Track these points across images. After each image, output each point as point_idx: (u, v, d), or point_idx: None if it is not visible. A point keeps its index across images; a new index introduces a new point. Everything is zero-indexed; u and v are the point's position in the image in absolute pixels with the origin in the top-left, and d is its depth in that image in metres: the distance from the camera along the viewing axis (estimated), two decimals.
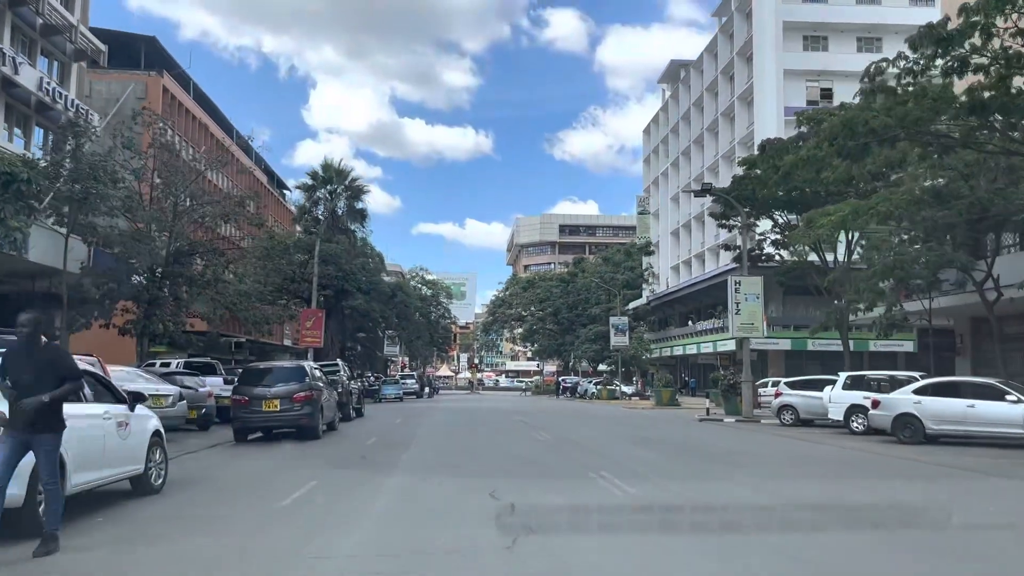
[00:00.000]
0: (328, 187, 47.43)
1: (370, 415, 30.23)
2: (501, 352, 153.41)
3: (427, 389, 65.09)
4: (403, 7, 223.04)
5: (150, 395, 17.24)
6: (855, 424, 21.95)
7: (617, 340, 52.07)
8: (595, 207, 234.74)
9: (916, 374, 22.53)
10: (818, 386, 25.61)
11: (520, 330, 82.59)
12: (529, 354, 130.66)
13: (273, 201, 65.63)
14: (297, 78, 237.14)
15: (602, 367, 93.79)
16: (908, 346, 48.60)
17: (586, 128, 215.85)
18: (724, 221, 35.51)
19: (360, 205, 48.10)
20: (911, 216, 22.48)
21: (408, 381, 58.94)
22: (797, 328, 49.36)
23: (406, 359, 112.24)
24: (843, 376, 22.96)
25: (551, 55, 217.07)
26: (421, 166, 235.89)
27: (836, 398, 22.50)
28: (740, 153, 56.82)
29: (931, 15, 53.78)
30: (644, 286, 64.37)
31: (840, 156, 19.17)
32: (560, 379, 73.35)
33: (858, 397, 22.02)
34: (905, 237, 24.68)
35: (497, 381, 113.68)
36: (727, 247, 37.86)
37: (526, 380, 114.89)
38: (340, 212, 47.66)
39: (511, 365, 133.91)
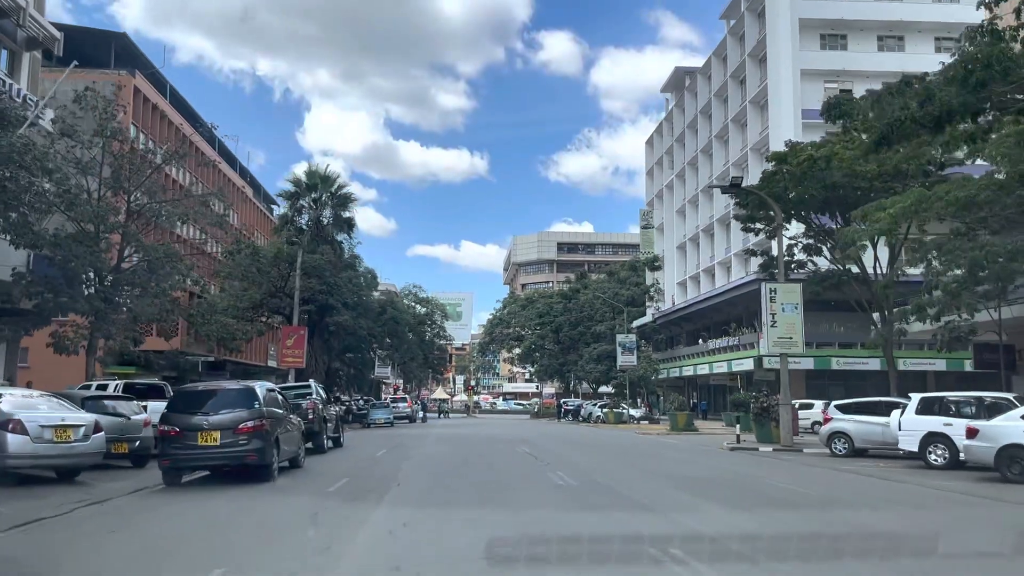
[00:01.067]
0: (312, 195, 43.55)
1: (352, 444, 26.14)
2: (498, 374, 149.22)
3: (422, 413, 60.95)
4: (397, 30, 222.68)
5: (51, 426, 13.29)
6: (933, 456, 17.99)
7: (624, 360, 48.13)
8: (590, 228, 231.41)
9: (1009, 395, 18.59)
10: (875, 409, 21.70)
11: (519, 350, 78.57)
12: (527, 375, 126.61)
13: (259, 215, 61.75)
14: (292, 101, 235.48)
15: (603, 389, 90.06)
16: (940, 364, 44.74)
17: (580, 150, 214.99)
18: (750, 224, 31.68)
19: (347, 214, 44.20)
20: (994, 203, 18.61)
21: (400, 405, 54.89)
22: (820, 346, 45.51)
23: (400, 381, 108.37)
24: (916, 399, 19.00)
25: (545, 78, 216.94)
26: (416, 188, 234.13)
27: (909, 425, 18.53)
28: (753, 161, 53.21)
29: (954, 12, 50.72)
30: (649, 303, 60.48)
31: (919, 125, 15.28)
32: (562, 401, 69.28)
33: (937, 423, 18.11)
34: (980, 233, 20.81)
35: (494, 404, 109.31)
36: (752, 253, 34.12)
37: (524, 403, 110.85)
38: (325, 222, 43.77)
39: (508, 387, 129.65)
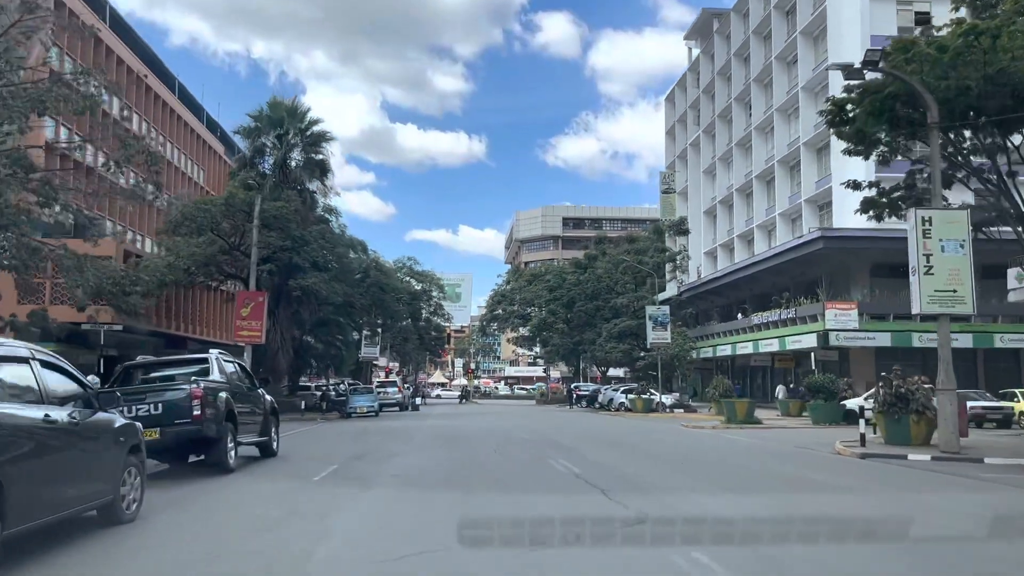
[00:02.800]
0: (277, 131, 34.82)
1: (297, 449, 17.55)
2: (499, 357, 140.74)
3: (419, 399, 52.46)
4: (394, 12, 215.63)
5: None
6: None
7: (656, 336, 39.52)
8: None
9: None
10: None
11: (525, 330, 70.01)
12: (531, 358, 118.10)
13: (221, 166, 52.88)
14: (287, 83, 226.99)
15: (613, 372, 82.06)
16: None
17: (579, 134, 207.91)
18: (856, 147, 22.83)
19: (320, 156, 35.48)
20: None
21: (389, 390, 46.42)
22: (898, 318, 36.96)
23: (396, 364, 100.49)
24: None
25: (543, 60, 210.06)
26: (414, 172, 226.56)
27: None
28: (805, 102, 44.42)
29: None
30: (673, 274, 51.85)
31: None
32: (573, 386, 60.75)
33: None
34: None
35: (496, 388, 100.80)
36: (856, 186, 25.31)
37: (528, 387, 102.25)
38: (293, 164, 35.07)
39: (511, 371, 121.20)
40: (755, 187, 50.84)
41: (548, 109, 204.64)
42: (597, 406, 50.66)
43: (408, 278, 69.09)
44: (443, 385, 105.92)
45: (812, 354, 35.63)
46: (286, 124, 34.59)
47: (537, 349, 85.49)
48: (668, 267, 49.74)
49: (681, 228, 50.04)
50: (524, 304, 67.57)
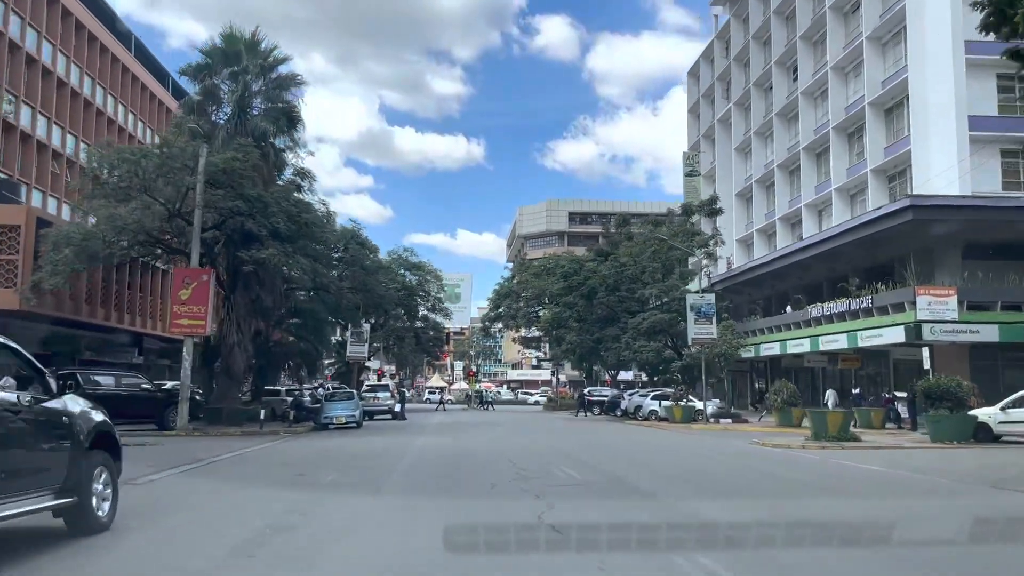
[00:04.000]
0: (232, 69, 27.36)
1: (177, 500, 10.08)
2: (500, 360, 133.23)
3: (399, 405, 44.82)
4: (392, 14, 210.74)
5: None
6: None
7: (700, 331, 32.01)
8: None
9: None
10: None
11: (532, 328, 62.49)
12: (535, 361, 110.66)
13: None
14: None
15: (625, 375, 74.82)
16: None
17: (577, 137, 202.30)
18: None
19: (287, 102, 28.00)
20: None
21: (380, 395, 38.88)
22: (1006, 308, 29.54)
23: (390, 366, 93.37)
24: None
25: (541, 63, 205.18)
26: (412, 176, 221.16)
27: None
28: (871, 53, 37.09)
29: None
30: (708, 261, 44.35)
31: None
32: (586, 391, 53.20)
33: None
34: None
35: (499, 393, 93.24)
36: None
37: (531, 392, 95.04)
38: (253, 111, 27.63)
39: (514, 374, 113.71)
40: (803, 160, 43.42)
41: (546, 112, 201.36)
42: (619, 413, 43.30)
43: (403, 271, 61.73)
44: (442, 389, 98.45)
45: (924, 352, 27.85)
46: (244, 60, 27.05)
47: (544, 350, 78.14)
48: (700, 253, 42.28)
49: (713, 208, 42.54)
50: (532, 301, 60.10)
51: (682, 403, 33.64)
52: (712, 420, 32.86)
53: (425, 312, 65.82)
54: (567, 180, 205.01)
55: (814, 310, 35.63)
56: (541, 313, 61.51)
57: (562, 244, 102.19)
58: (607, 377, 63.75)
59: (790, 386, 30.08)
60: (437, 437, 24.36)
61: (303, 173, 29.10)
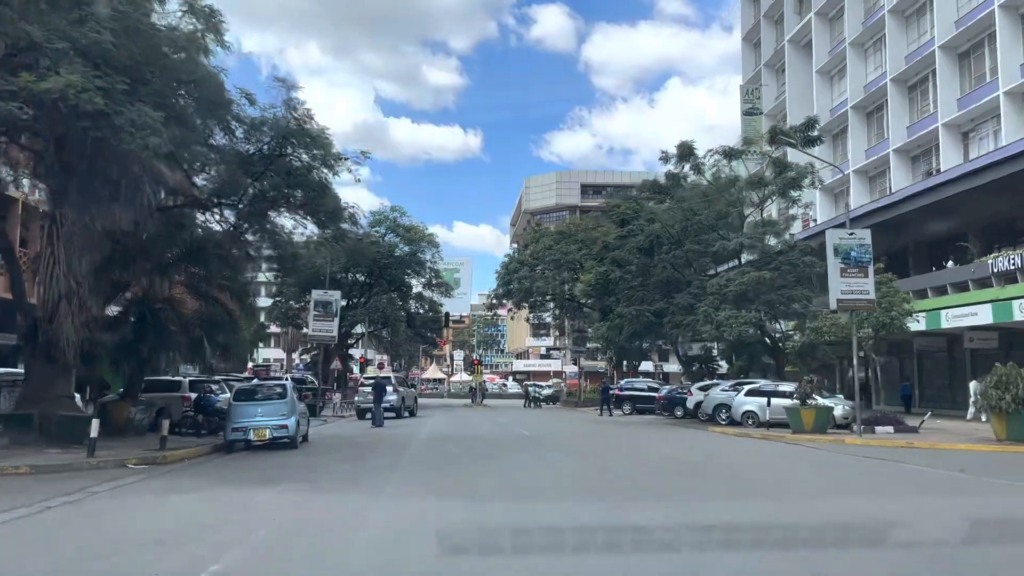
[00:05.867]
0: None
1: None
2: (504, 351, 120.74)
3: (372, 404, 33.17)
4: (388, 5, 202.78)
5: None
6: None
7: (849, 286, 19.55)
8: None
9: None
10: None
11: (550, 306, 50.27)
12: (543, 350, 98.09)
13: None
14: (279, 78, 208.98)
15: (670, 367, 63.76)
16: None
17: (573, 128, 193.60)
18: None
19: None
20: None
21: (386, 389, 28.99)
22: None
23: (385, 358, 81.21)
24: None
25: (538, 54, 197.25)
26: (408, 167, 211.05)
27: None
28: None
29: None
30: (794, 209, 32.10)
31: None
32: (623, 382, 41.13)
33: None
34: None
35: (504, 386, 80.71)
36: None
37: (541, 384, 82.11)
38: None
39: (519, 365, 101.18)
40: (940, 62, 30.94)
41: (543, 103, 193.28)
42: (680, 414, 31.08)
43: (390, 235, 49.23)
44: (439, 382, 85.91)
45: None
46: None
47: (555, 335, 66.05)
48: (796, 194, 29.95)
49: (809, 135, 30.08)
50: (554, 267, 47.84)
51: (816, 402, 21.25)
52: (855, 428, 20.52)
53: (420, 289, 53.52)
54: (564, 171, 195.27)
55: (1000, 262, 23.20)
56: (557, 285, 49.39)
57: (574, 218, 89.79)
58: (624, 369, 51.79)
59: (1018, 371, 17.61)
60: (434, 475, 11.98)
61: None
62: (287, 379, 18.88)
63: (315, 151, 15.55)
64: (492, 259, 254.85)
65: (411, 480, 11.60)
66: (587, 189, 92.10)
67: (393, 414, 30.11)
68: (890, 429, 20.59)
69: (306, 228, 17.81)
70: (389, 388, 31.00)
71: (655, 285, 28.70)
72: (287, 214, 16.96)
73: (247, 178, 16.35)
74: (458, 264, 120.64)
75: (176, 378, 20.03)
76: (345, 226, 18.06)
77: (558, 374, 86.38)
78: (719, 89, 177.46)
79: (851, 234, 20.35)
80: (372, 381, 35.61)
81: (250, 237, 17.36)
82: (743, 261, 28.59)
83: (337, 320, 30.49)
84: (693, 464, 14.38)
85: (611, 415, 35.87)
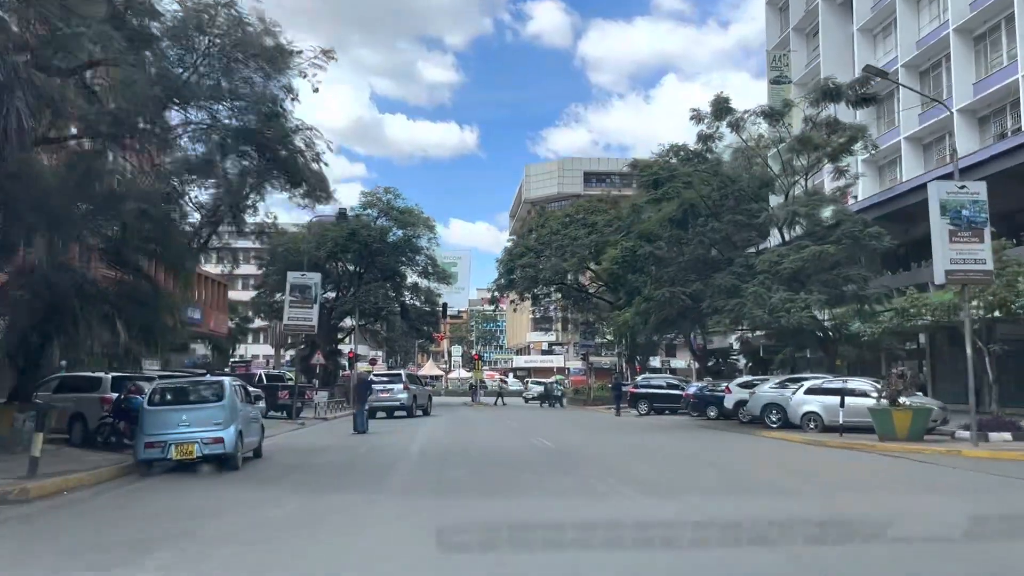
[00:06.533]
0: None
1: None
2: (503, 347, 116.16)
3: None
4: (383, 1, 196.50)
5: None
6: None
7: (961, 254, 15.12)
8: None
9: None
10: None
11: (554, 294, 45.79)
12: (545, 345, 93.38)
13: None
14: None
15: (678, 362, 59.73)
16: None
17: (569, 125, 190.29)
18: None
19: None
20: None
21: (393, 387, 29.16)
22: None
23: (379, 354, 76.81)
24: None
25: (534, 50, 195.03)
26: (404, 164, 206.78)
27: None
28: None
29: None
30: (840, 181, 27.64)
31: None
32: (640, 379, 37.01)
33: None
34: None
35: (504, 384, 76.07)
36: None
37: (544, 380, 77.55)
38: None
39: (520, 361, 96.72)
40: (1019, 9, 26.35)
41: (539, 100, 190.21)
42: (713, 415, 26.73)
43: (383, 219, 44.60)
44: (436, 378, 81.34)
45: None
46: None
47: (556, 330, 61.98)
48: (846, 163, 25.49)
49: (864, 92, 25.47)
50: (560, 253, 43.44)
51: (908, 401, 16.75)
52: (959, 434, 16.06)
53: (415, 278, 48.93)
54: None
55: None
56: (563, 274, 44.87)
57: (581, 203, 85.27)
58: (636, 364, 47.60)
59: None
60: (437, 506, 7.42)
61: None
62: (227, 377, 14.16)
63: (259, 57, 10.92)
64: (489, 257, 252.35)
65: (389, 540, 7.07)
66: (590, 177, 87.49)
67: (404, 413, 28.75)
68: (1007, 436, 16.10)
69: (251, 163, 13.15)
70: (399, 385, 29.15)
71: (688, 264, 24.06)
72: (228, 145, 12.32)
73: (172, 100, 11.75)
74: (456, 258, 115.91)
75: (97, 374, 15.45)
76: (302, 160, 13.39)
77: (561, 370, 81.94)
78: (715, 86, 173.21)
79: (961, 187, 15.79)
80: (384, 376, 32.52)
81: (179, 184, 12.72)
82: (790, 236, 24.09)
83: (317, 307, 25.89)
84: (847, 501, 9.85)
85: (625, 414, 32.12)
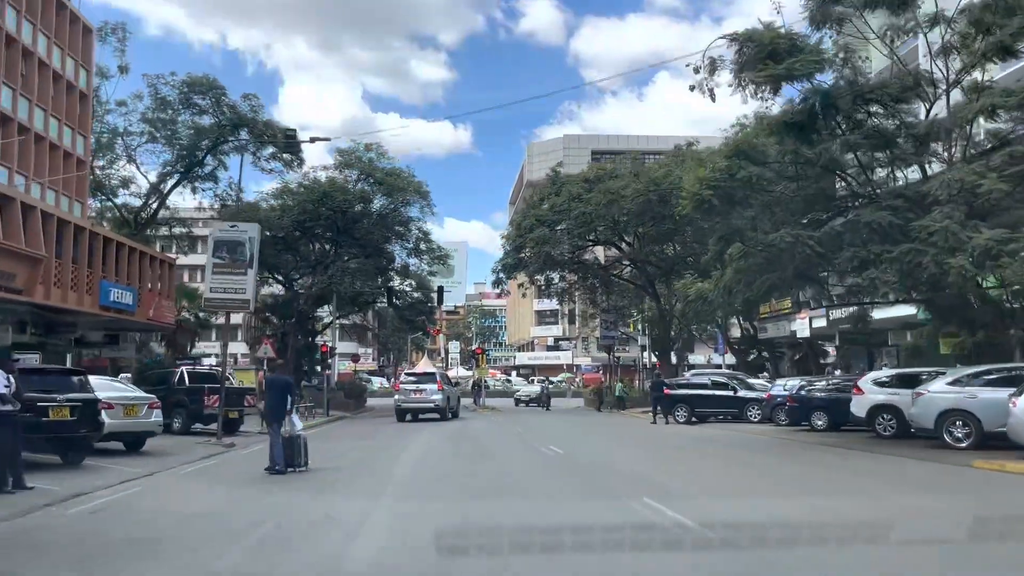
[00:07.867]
0: None
1: None
2: (503, 343, 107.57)
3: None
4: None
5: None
6: None
7: None
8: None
9: None
10: None
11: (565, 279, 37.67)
12: (551, 341, 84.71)
13: None
14: (265, 74, 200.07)
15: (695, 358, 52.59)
16: None
17: (563, 123, 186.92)
18: None
19: None
20: None
21: (427, 387, 27.32)
22: None
23: (370, 351, 68.57)
24: None
25: (527, 48, 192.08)
26: (399, 164, 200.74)
27: None
28: None
29: None
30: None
31: None
32: (662, 381, 28.93)
33: None
34: None
35: (508, 382, 67.47)
36: None
37: (553, 379, 68.87)
38: None
39: (523, 358, 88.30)
40: None
41: (532, 98, 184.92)
42: (820, 425, 18.43)
43: (363, 183, 35.93)
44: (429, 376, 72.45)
45: None
46: None
47: (564, 324, 54.63)
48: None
49: None
50: (582, 226, 35.36)
51: None
52: None
53: (405, 258, 40.36)
54: None
55: None
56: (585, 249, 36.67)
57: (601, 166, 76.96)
58: (657, 361, 40.05)
59: None
60: None
61: None
62: None
63: None
64: (484, 256, 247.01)
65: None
66: (599, 156, 78.83)
67: (437, 415, 26.68)
68: None
69: None
70: (433, 385, 27.30)
71: (813, 197, 15.56)
72: None
73: None
74: (452, 249, 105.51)
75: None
76: None
77: (570, 367, 73.54)
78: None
79: None
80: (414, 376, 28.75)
81: None
82: (963, 154, 15.67)
83: (253, 272, 17.34)
84: None
85: (666, 421, 25.28)
